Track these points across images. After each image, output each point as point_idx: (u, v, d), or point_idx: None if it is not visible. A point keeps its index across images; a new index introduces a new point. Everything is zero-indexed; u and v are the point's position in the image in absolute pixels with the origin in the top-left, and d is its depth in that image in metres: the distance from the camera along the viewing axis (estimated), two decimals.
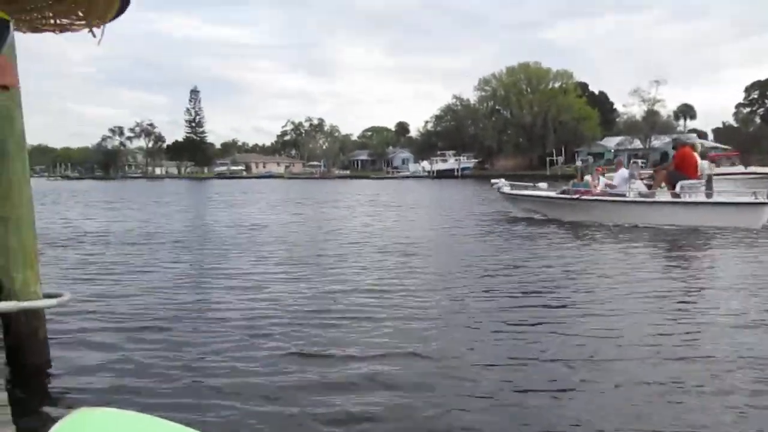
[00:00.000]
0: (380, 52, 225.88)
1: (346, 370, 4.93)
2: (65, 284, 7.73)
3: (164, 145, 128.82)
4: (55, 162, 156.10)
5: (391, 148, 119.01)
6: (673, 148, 16.54)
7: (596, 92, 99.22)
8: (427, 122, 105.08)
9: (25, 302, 4.89)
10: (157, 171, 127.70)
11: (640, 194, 15.86)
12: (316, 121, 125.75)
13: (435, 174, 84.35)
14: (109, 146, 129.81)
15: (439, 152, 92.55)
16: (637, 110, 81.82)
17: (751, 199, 14.41)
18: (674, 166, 15.71)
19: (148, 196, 40.09)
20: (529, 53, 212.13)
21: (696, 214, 14.58)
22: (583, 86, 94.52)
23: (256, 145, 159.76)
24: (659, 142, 73.06)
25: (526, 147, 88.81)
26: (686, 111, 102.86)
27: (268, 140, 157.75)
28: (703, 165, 15.66)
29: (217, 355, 5.34)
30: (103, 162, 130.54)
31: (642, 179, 17.40)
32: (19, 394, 4.48)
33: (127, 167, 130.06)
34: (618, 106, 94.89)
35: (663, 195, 15.52)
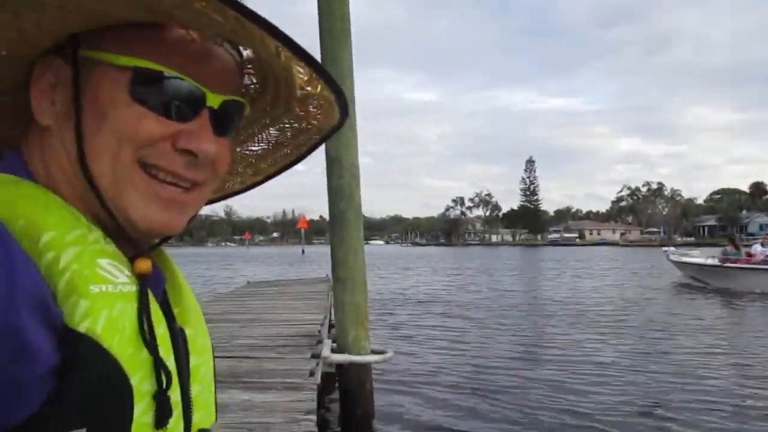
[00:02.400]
0: (730, 109, 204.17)
1: None
2: (390, 343, 8.41)
3: (500, 214, 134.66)
4: (407, 230, 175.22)
5: (744, 212, 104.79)
6: None
7: None
8: None
9: (355, 356, 5.48)
10: (494, 238, 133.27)
11: None
12: (654, 186, 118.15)
13: None
14: (452, 215, 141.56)
15: None
16: None
17: None
18: None
19: (485, 261, 41.73)
20: None
21: None
22: None
23: (590, 211, 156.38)
24: None
25: None
26: None
27: (602, 207, 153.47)
28: None
29: None
30: (446, 230, 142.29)
31: None
32: None
33: (466, 235, 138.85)
34: None
35: None
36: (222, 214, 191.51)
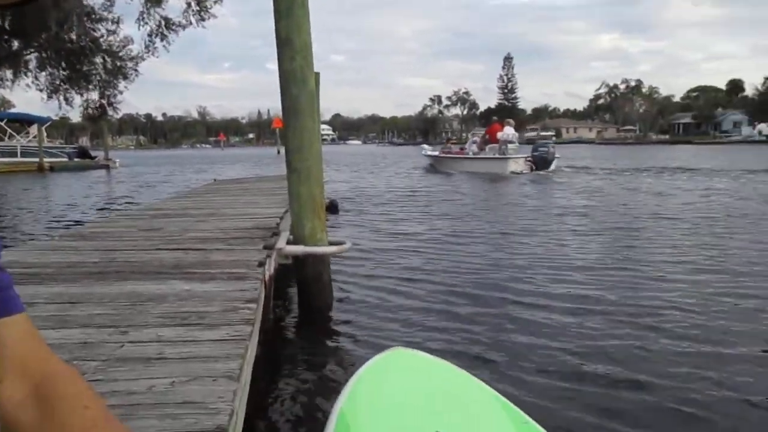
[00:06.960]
0: (710, 3, 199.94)
1: None
2: (350, 235, 8.33)
3: (477, 112, 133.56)
4: (384, 129, 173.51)
5: (720, 109, 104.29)
6: (490, 124, 28.80)
7: None
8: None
9: (311, 247, 5.35)
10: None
11: (473, 153, 25.75)
12: (633, 83, 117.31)
13: None
14: (429, 114, 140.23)
15: None
16: None
17: (498, 155, 23.43)
18: (487, 135, 25.48)
19: None
20: None
21: (486, 165, 23.82)
22: None
23: (568, 110, 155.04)
24: None
25: None
26: None
27: (579, 105, 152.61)
28: (505, 134, 23.44)
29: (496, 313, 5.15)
30: (423, 129, 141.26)
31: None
32: (307, 330, 5.00)
33: (443, 134, 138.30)
34: None
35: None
36: (195, 115, 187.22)
